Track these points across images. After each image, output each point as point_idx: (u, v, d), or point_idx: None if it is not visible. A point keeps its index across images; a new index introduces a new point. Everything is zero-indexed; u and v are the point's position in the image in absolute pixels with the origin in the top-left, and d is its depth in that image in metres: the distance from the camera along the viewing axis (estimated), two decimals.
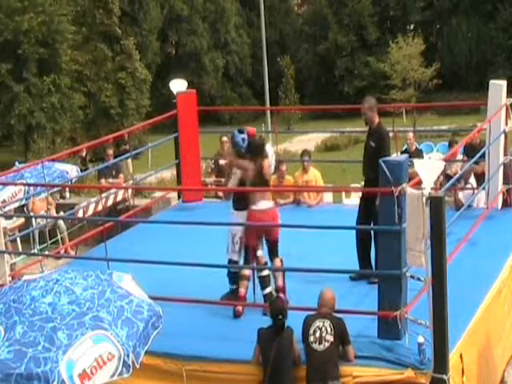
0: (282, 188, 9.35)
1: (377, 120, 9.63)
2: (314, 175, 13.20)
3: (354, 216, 9.89)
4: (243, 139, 9.18)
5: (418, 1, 51.64)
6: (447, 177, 11.75)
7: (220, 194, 14.73)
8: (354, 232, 9.73)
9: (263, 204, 9.11)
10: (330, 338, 7.70)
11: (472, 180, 12.20)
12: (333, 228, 9.33)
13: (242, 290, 9.06)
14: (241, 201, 9.22)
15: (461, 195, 12.05)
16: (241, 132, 9.27)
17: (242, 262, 9.23)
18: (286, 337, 7.78)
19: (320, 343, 7.71)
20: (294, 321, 7.98)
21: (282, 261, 9.28)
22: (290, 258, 9.57)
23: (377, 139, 9.54)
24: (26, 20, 34.16)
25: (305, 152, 13.58)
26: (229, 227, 9.27)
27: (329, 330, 7.73)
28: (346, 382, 7.70)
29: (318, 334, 7.74)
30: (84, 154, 17.65)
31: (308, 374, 7.74)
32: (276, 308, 7.91)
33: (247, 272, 9.11)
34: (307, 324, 7.83)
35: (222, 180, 14.70)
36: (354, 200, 16.94)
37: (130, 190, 14.42)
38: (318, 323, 7.78)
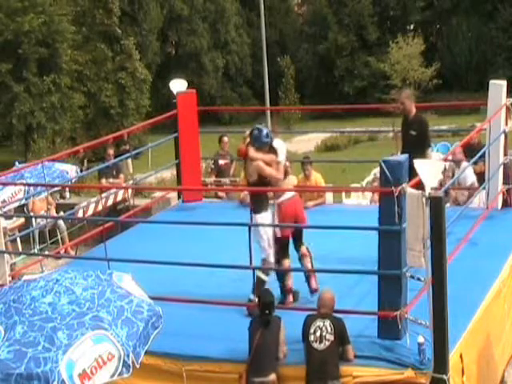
0: (283, 188, 9.35)
1: (414, 109, 9.74)
2: (316, 179, 13.20)
3: (354, 216, 9.91)
4: (267, 134, 9.22)
5: (418, 1, 51.55)
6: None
7: (220, 194, 14.74)
8: (354, 232, 9.75)
9: (288, 194, 9.20)
10: (331, 337, 7.72)
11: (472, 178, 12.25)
12: (334, 228, 9.35)
13: (289, 283, 9.13)
14: (263, 201, 9.15)
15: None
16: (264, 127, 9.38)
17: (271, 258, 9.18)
18: (272, 324, 7.88)
19: (320, 342, 7.73)
20: (295, 320, 7.99)
21: (307, 248, 9.36)
22: (291, 259, 9.58)
23: (418, 127, 9.65)
24: (27, 21, 34.16)
25: (305, 158, 13.60)
26: (256, 229, 9.05)
27: (329, 329, 7.74)
28: (346, 382, 7.71)
29: (318, 334, 7.75)
30: (81, 156, 17.64)
31: (308, 373, 7.75)
32: (264, 303, 8.01)
33: (288, 263, 9.22)
34: (308, 323, 7.85)
35: (222, 180, 14.73)
36: (354, 200, 16.98)
37: (129, 190, 14.42)
38: (319, 323, 7.80)
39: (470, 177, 12.36)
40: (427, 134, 9.71)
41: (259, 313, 8.03)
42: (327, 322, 7.79)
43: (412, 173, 8.91)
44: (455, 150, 12.21)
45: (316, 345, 7.74)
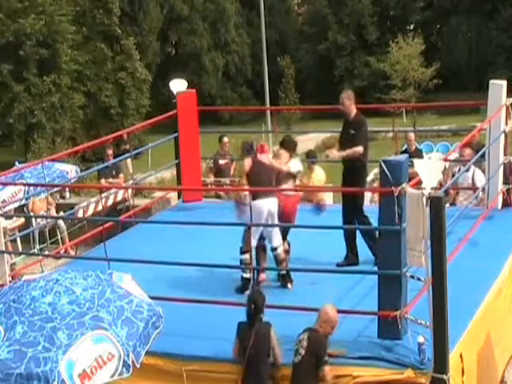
0: (284, 188, 9.45)
1: (355, 110, 9.97)
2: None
3: None
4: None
5: (418, 1, 51.60)
6: None
7: (220, 193, 14.72)
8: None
9: None
10: (303, 351, 7.65)
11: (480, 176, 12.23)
12: (334, 228, 9.36)
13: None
14: None
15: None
16: None
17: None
18: (262, 331, 7.79)
19: (295, 355, 7.70)
20: (295, 320, 8.00)
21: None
22: (290, 258, 9.60)
23: (357, 127, 9.87)
24: (28, 23, 34.21)
25: (310, 152, 13.61)
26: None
27: (304, 343, 7.67)
28: (346, 382, 7.70)
29: (297, 346, 7.72)
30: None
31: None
32: (251, 298, 7.95)
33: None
34: (298, 336, 7.84)
35: (222, 180, 14.73)
36: None
37: (129, 190, 14.42)
38: (302, 335, 7.75)
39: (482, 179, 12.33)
40: (365, 134, 9.92)
41: (249, 314, 7.93)
42: (306, 335, 7.70)
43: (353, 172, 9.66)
44: (465, 152, 12.18)
45: (294, 357, 7.70)
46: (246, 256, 9.42)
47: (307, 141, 36.25)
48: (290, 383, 7.75)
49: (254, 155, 9.79)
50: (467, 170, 12.04)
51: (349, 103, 9.92)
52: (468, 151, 12.18)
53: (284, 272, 9.56)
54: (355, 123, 9.91)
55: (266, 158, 9.91)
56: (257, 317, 7.86)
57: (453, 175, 12.16)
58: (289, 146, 10.31)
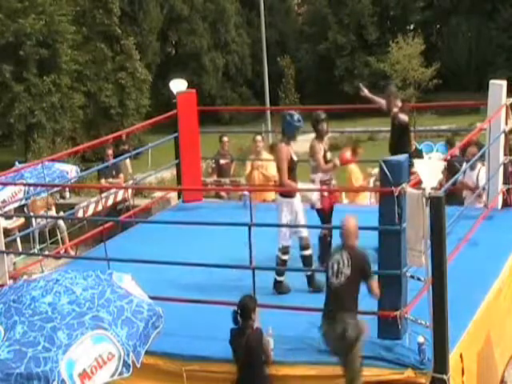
0: (284, 189, 9.45)
1: (398, 104, 10.43)
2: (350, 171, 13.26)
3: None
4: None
5: (418, 1, 51.59)
6: None
7: (222, 193, 14.72)
8: None
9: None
10: (347, 271, 7.50)
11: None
12: (333, 228, 9.35)
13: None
14: None
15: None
16: None
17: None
18: (254, 338, 7.67)
19: (337, 277, 7.53)
20: (295, 320, 7.99)
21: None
22: (293, 258, 9.60)
23: (398, 117, 10.33)
24: (28, 23, 34.23)
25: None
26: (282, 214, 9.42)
27: (346, 262, 7.52)
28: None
29: (335, 267, 7.54)
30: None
31: (324, 307, 7.67)
32: (238, 303, 7.83)
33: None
34: (330, 258, 7.72)
35: (222, 180, 14.73)
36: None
37: (129, 190, 14.42)
38: (337, 256, 7.60)
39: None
40: (407, 125, 10.49)
41: (236, 320, 7.82)
42: (345, 255, 7.54)
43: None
44: (471, 152, 12.17)
45: (333, 279, 7.52)
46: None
47: (307, 141, 36.27)
48: (326, 306, 7.62)
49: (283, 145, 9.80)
50: (472, 169, 12.02)
51: (388, 100, 10.45)
52: (472, 150, 12.16)
53: (277, 278, 9.46)
54: (397, 115, 10.32)
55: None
56: (246, 323, 7.73)
57: (455, 173, 12.10)
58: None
